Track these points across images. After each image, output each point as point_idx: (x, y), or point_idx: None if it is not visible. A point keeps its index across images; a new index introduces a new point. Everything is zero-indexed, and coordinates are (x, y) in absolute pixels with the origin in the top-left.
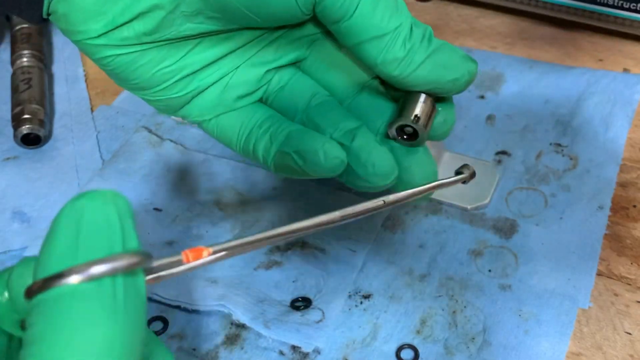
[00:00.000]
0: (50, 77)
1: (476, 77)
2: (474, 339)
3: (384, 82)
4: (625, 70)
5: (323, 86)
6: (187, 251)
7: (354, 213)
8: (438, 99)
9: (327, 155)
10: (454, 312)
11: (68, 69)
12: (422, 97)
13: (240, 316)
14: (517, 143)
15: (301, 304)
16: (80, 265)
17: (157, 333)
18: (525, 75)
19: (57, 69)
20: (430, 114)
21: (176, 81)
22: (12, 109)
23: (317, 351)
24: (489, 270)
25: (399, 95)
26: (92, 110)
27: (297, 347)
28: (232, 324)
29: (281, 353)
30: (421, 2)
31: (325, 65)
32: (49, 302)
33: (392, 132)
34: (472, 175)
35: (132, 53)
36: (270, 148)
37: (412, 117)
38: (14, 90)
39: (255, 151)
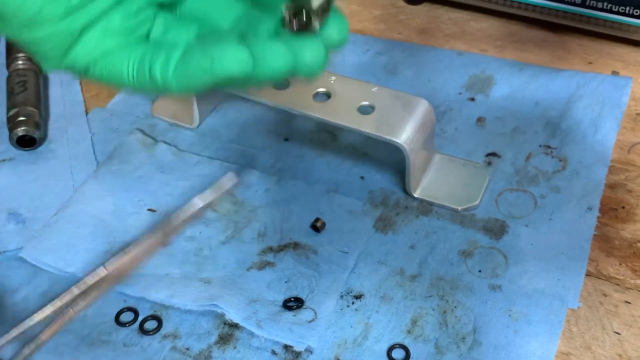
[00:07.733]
0: (45, 80)
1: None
2: (464, 338)
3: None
4: (614, 72)
5: (205, 21)
6: None
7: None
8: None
9: (236, 53)
10: (444, 312)
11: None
12: None
13: (233, 316)
14: (507, 145)
15: (293, 304)
16: None
17: (151, 332)
18: (516, 78)
19: None
20: (325, 7)
21: (68, 10)
22: (8, 112)
23: (309, 350)
24: (479, 271)
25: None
26: (86, 113)
27: (290, 346)
28: (225, 323)
29: (274, 352)
30: (412, 5)
31: (204, 3)
32: None
33: (287, 16)
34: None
35: None
36: (169, 62)
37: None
38: (10, 93)
39: (152, 71)
